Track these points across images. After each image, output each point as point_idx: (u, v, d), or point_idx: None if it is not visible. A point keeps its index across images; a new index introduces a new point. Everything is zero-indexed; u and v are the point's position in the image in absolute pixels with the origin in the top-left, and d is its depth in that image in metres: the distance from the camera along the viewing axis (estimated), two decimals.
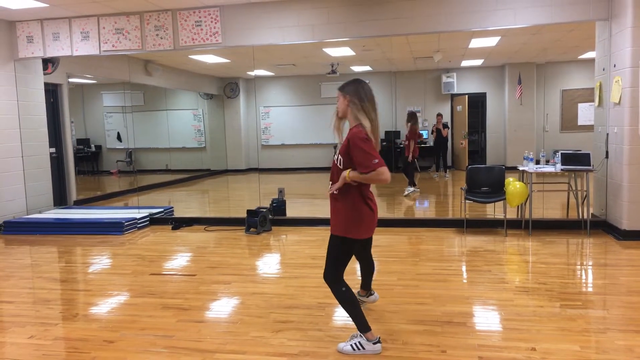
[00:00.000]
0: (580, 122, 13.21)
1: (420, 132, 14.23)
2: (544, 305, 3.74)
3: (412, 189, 9.77)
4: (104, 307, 4.09)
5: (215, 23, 6.85)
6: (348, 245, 3.10)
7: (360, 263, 3.66)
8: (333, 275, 3.12)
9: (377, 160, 2.85)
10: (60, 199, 8.95)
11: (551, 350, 3.01)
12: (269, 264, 5.19)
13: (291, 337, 3.34)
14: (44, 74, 8.16)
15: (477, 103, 14.77)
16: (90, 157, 14.81)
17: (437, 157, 13.26)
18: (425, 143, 14.29)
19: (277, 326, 3.55)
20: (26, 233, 6.91)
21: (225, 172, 14.79)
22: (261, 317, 3.73)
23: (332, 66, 12.52)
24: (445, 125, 12.73)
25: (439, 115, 12.86)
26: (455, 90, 14.13)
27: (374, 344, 3.08)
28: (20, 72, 7.55)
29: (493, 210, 7.28)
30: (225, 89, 14.70)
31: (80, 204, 9.29)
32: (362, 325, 3.10)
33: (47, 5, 6.53)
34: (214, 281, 4.63)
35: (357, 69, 13.59)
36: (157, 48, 7.06)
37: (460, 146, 14.22)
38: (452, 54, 11.77)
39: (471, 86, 14.29)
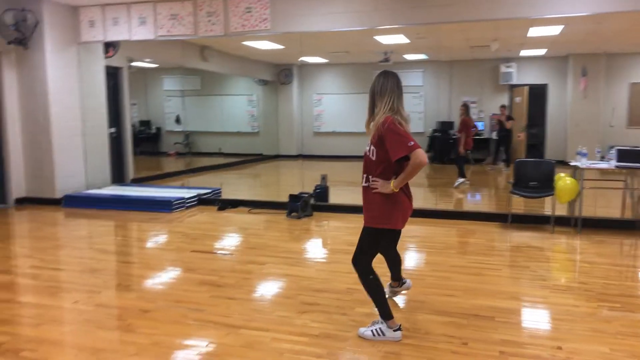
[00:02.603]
0: None
1: (475, 123, 13.89)
2: (580, 305, 3.61)
3: (461, 180, 9.57)
4: (145, 279, 4.31)
5: (265, 9, 6.95)
6: (383, 235, 3.12)
7: (386, 257, 3.60)
8: (363, 264, 3.14)
9: (412, 142, 2.83)
10: (119, 177, 9.39)
11: (578, 350, 2.92)
12: (305, 248, 5.27)
13: (315, 319, 3.40)
14: (106, 57, 8.55)
15: (538, 95, 14.17)
16: (151, 138, 15.41)
17: (497, 150, 12.83)
18: (480, 135, 13.92)
19: (304, 307, 3.62)
20: (84, 207, 7.33)
21: (277, 157, 15.00)
22: (289, 298, 3.81)
23: (385, 54, 12.36)
24: (509, 117, 12.25)
25: (503, 106, 12.40)
26: (515, 81, 13.64)
27: (395, 331, 3.09)
28: (83, 55, 7.96)
29: (543, 206, 7.03)
30: (279, 75, 14.85)
31: (137, 182, 9.72)
32: (385, 313, 3.12)
33: None
34: (250, 261, 4.76)
35: (411, 57, 13.37)
36: (209, 34, 7.25)
37: (517, 139, 13.73)
38: (510, 43, 11.35)
39: (532, 77, 13.73)
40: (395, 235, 3.42)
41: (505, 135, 12.47)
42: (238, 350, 2.97)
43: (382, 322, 3.12)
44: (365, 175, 3.07)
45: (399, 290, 3.75)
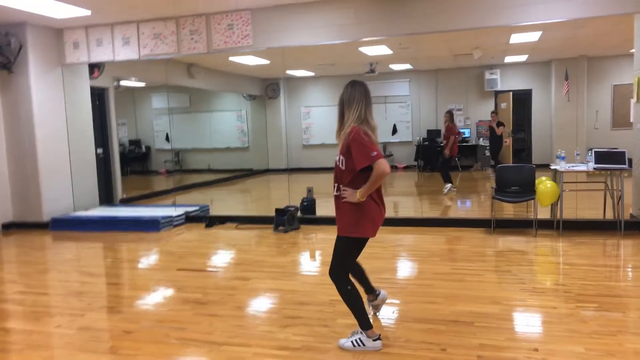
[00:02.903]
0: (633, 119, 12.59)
1: (461, 130, 14.00)
2: (558, 307, 3.65)
3: (449, 185, 9.64)
4: (129, 300, 4.33)
5: (247, 26, 7.03)
6: (356, 244, 3.15)
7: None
8: (339, 274, 3.17)
9: (375, 153, 2.89)
10: (107, 197, 9.40)
11: (554, 351, 2.96)
12: (290, 262, 5.30)
13: (297, 332, 3.43)
14: (91, 78, 8.61)
15: (522, 100, 14.33)
16: (140, 157, 15.42)
17: (494, 157, 12.78)
18: (467, 142, 14.04)
19: (286, 321, 3.64)
20: (72, 229, 7.33)
21: (267, 171, 15.05)
22: (272, 313, 3.84)
23: (371, 65, 12.49)
24: (499, 124, 12.24)
25: (493, 112, 12.41)
26: (499, 87, 13.80)
27: (374, 340, 3.12)
28: (68, 77, 8.00)
29: (529, 211, 7.10)
30: (266, 89, 14.95)
31: (126, 202, 9.73)
32: (364, 323, 3.15)
33: (90, 12, 6.88)
34: (235, 277, 4.78)
35: (396, 67, 13.51)
36: (192, 52, 7.32)
37: (504, 144, 13.85)
38: (493, 50, 11.51)
39: (516, 83, 13.90)
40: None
41: (496, 140, 12.45)
42: None
43: (361, 333, 3.15)
44: (336, 185, 3.12)
45: (377, 303, 3.67)
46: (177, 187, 12.49)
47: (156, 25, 7.38)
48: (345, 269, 3.18)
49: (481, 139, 14.11)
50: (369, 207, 3.04)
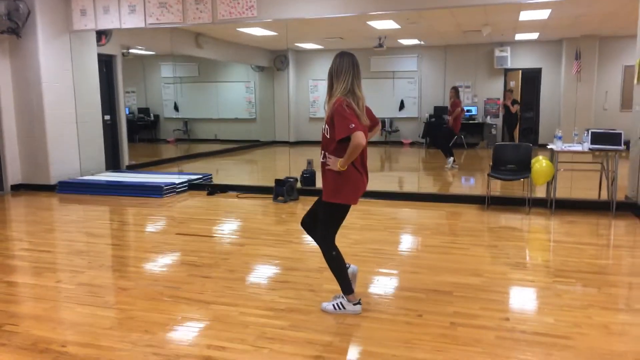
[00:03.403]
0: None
1: (468, 108, 13.98)
2: (536, 281, 3.78)
3: (451, 159, 9.71)
4: (127, 259, 4.52)
5: None
6: (337, 210, 3.27)
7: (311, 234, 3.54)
8: (324, 239, 3.31)
9: (353, 125, 2.99)
10: (114, 163, 9.60)
11: (524, 320, 3.10)
12: (285, 230, 5.46)
13: (283, 295, 3.60)
14: (98, 45, 8.70)
15: (531, 78, 14.22)
16: (149, 126, 15.58)
17: (510, 135, 12.73)
18: (473, 119, 14.03)
19: (274, 285, 3.82)
20: (77, 192, 7.54)
21: (273, 143, 15.16)
22: (262, 276, 4.01)
23: (380, 39, 12.44)
24: (514, 102, 12.15)
25: (509, 91, 12.32)
26: (509, 65, 13.69)
27: (354, 305, 3.27)
28: (76, 44, 8.11)
29: (525, 189, 7.18)
30: (275, 61, 14.95)
31: (132, 168, 9.92)
32: (346, 288, 3.30)
33: None
34: (230, 243, 4.96)
35: (406, 42, 13.41)
36: (197, 21, 7.37)
37: (503, 124, 13.82)
38: (503, 27, 11.40)
39: (526, 61, 13.77)
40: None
41: (512, 119, 12.39)
42: (204, 323, 3.17)
43: (342, 297, 3.31)
44: (322, 152, 3.23)
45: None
46: (183, 156, 12.69)
47: None
48: (329, 233, 3.31)
49: (488, 117, 14.08)
50: (351, 175, 3.15)
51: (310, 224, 3.42)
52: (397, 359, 2.70)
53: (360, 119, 3.08)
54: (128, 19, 7.67)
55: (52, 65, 7.75)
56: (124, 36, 9.35)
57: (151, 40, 10.20)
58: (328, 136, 3.17)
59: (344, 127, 2.99)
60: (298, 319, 3.20)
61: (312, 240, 3.44)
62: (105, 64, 9.35)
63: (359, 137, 2.98)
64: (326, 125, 3.17)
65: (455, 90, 10.06)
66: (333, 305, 3.31)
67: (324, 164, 3.25)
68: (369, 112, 3.31)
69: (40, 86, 7.61)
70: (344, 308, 3.27)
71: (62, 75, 7.92)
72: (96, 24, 7.87)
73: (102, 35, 8.73)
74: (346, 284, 3.30)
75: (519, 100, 12.69)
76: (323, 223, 3.31)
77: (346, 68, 3.12)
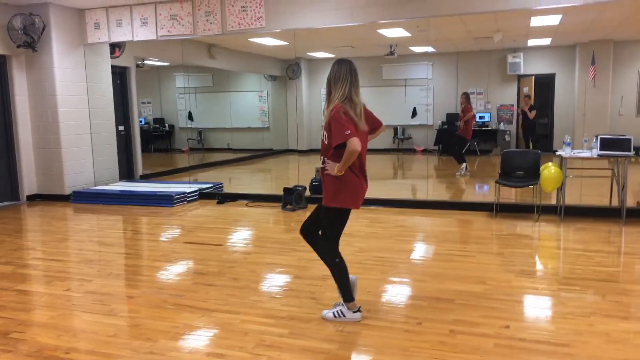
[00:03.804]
0: None
1: (481, 114, 13.91)
2: (540, 288, 3.75)
3: (464, 164, 9.67)
4: (135, 268, 4.60)
5: (260, 8, 7.15)
6: (338, 215, 3.28)
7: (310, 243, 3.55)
8: (326, 246, 3.34)
9: (349, 132, 3.02)
10: (128, 173, 9.75)
11: (524, 328, 3.08)
12: (292, 239, 5.49)
13: (285, 303, 3.63)
14: (112, 58, 8.88)
15: (545, 84, 14.11)
16: (164, 136, 15.79)
17: (527, 141, 12.50)
18: (486, 126, 13.96)
19: (277, 293, 3.85)
20: (91, 202, 7.67)
21: (286, 151, 15.24)
22: (265, 284, 4.04)
23: (391, 47, 12.47)
24: (532, 107, 11.95)
25: (527, 96, 12.14)
26: (522, 71, 13.60)
27: (354, 312, 3.29)
28: (89, 56, 8.29)
29: (532, 196, 7.12)
30: (287, 70, 15.06)
31: (146, 178, 10.06)
32: (347, 295, 3.32)
33: None
34: (237, 251, 5.01)
35: (417, 49, 13.42)
36: (207, 33, 7.49)
37: (522, 130, 13.71)
38: (514, 34, 11.35)
39: (539, 67, 13.68)
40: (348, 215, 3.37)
41: (529, 125, 12.18)
42: (206, 330, 3.21)
43: (342, 305, 3.32)
44: (322, 158, 3.26)
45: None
46: (197, 165, 12.82)
47: (173, 7, 7.56)
48: (331, 239, 3.33)
49: (502, 123, 14.00)
50: (350, 180, 3.17)
51: (308, 231, 3.44)
52: None
53: (357, 125, 3.11)
54: (140, 31, 7.82)
55: (67, 78, 7.93)
56: (137, 48, 9.53)
57: (164, 52, 10.38)
58: (326, 142, 3.21)
59: (340, 134, 3.03)
60: (298, 327, 3.22)
61: (310, 249, 3.46)
62: (120, 75, 9.53)
63: (355, 144, 3.01)
64: (324, 132, 3.21)
65: (466, 96, 10.03)
66: (333, 313, 3.32)
67: (323, 170, 3.29)
68: (370, 115, 3.35)
69: (55, 98, 7.79)
70: (344, 316, 3.29)
71: (76, 87, 8.10)
72: (109, 36, 8.04)
73: (115, 47, 8.91)
74: (347, 292, 3.31)
75: (535, 107, 12.52)
76: (325, 229, 3.34)
77: (344, 75, 3.16)
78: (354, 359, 2.85)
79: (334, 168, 3.13)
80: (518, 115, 12.56)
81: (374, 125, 3.37)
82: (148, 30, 7.78)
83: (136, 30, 7.84)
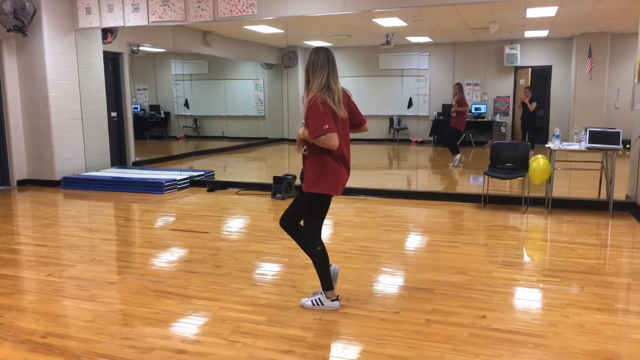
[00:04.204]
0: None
1: (477, 106, 13.87)
2: (520, 279, 3.76)
3: (458, 156, 9.65)
4: (119, 254, 4.60)
5: None
6: (317, 201, 3.25)
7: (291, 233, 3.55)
8: (308, 232, 3.33)
9: (327, 126, 3.00)
10: (121, 160, 9.73)
11: (500, 319, 3.09)
12: (278, 227, 5.47)
13: (265, 291, 3.64)
14: (104, 43, 8.82)
15: (542, 77, 14.06)
16: (160, 123, 15.73)
17: (525, 133, 12.38)
18: (482, 117, 13.92)
19: (258, 280, 3.86)
20: (81, 188, 7.66)
21: (282, 140, 15.21)
22: (247, 272, 4.05)
23: (387, 37, 12.40)
24: (532, 99, 11.84)
25: (527, 88, 12.02)
26: (519, 63, 13.54)
27: (332, 301, 3.30)
28: (81, 41, 8.23)
29: (520, 188, 7.12)
30: (283, 58, 14.99)
31: (138, 164, 10.04)
32: (326, 284, 3.32)
33: None
34: (222, 239, 5.01)
35: (414, 39, 13.34)
36: (199, 19, 7.44)
37: (519, 121, 13.68)
38: (511, 25, 11.29)
39: (536, 58, 13.62)
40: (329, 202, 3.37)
41: (530, 117, 12.06)
42: (183, 317, 3.21)
43: (321, 293, 3.33)
44: (303, 146, 3.23)
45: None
46: (191, 152, 12.80)
47: None
48: (313, 227, 3.32)
49: (497, 115, 13.96)
50: (328, 166, 3.15)
51: (288, 223, 3.44)
52: (367, 355, 2.71)
53: (336, 114, 3.09)
54: (132, 17, 7.76)
55: (58, 63, 7.88)
56: (130, 34, 9.47)
57: (157, 38, 10.30)
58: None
59: (317, 126, 3.01)
60: (275, 315, 3.23)
61: (291, 239, 3.46)
62: (112, 61, 9.48)
63: (333, 141, 3.01)
64: (304, 120, 3.19)
65: (459, 87, 9.98)
66: (312, 301, 3.33)
67: (304, 157, 3.28)
68: (354, 109, 3.33)
69: (46, 83, 7.75)
70: (322, 304, 3.30)
71: (67, 72, 8.05)
72: (101, 22, 7.98)
73: (108, 33, 8.84)
74: (327, 280, 3.31)
75: (536, 99, 12.38)
76: (306, 216, 3.33)
77: (321, 63, 3.12)
78: (328, 347, 2.86)
79: (304, 131, 3.10)
80: (518, 107, 12.42)
81: (358, 120, 3.34)
82: (139, 16, 7.72)
83: (127, 15, 7.78)
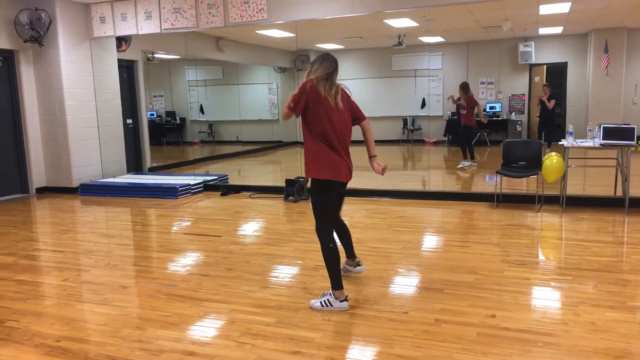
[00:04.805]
0: None
1: (493, 104, 13.77)
2: (531, 278, 3.73)
3: (468, 162, 9.58)
4: (133, 259, 4.66)
5: (261, 0, 7.15)
6: (317, 188, 3.36)
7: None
8: (320, 228, 3.39)
9: (292, 105, 3.31)
10: (137, 166, 9.86)
11: (510, 318, 3.07)
12: (291, 229, 5.52)
13: (276, 293, 3.66)
14: (119, 51, 8.96)
15: (557, 74, 13.89)
16: (175, 129, 15.91)
17: (543, 132, 12.19)
18: (498, 117, 13.81)
19: (269, 283, 3.88)
20: (98, 195, 7.79)
21: (296, 143, 15.26)
22: (258, 275, 4.07)
23: (399, 38, 12.38)
24: (551, 97, 11.53)
25: (545, 86, 11.83)
26: (534, 60, 13.40)
27: (341, 301, 3.31)
28: (96, 50, 8.38)
29: (535, 186, 7.04)
30: (295, 61, 15.04)
31: (154, 170, 10.17)
32: (336, 283, 3.34)
33: None
34: (234, 242, 5.05)
35: (426, 39, 13.30)
36: (210, 25, 7.52)
37: (537, 119, 13.52)
38: (524, 22, 11.19)
39: (551, 55, 13.47)
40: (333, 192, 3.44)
41: (548, 115, 11.88)
42: (194, 319, 3.25)
43: (330, 294, 3.34)
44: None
45: (351, 270, 3.81)
46: (206, 157, 12.91)
47: (176, 0, 7.60)
48: (323, 221, 3.37)
49: (513, 113, 13.83)
50: (316, 152, 3.33)
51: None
52: (375, 355, 2.72)
53: (322, 102, 3.26)
54: (145, 25, 7.88)
55: (74, 72, 8.04)
56: (144, 42, 9.60)
57: (170, 45, 10.43)
58: None
59: (288, 102, 3.31)
60: (285, 316, 3.25)
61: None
62: (127, 69, 9.62)
63: (283, 111, 3.40)
64: None
65: (463, 88, 9.82)
66: (321, 302, 3.35)
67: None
68: (355, 106, 3.49)
69: (62, 92, 7.90)
70: (331, 305, 3.31)
71: (83, 81, 8.20)
72: (115, 30, 8.12)
73: (122, 41, 8.98)
74: (336, 279, 3.33)
75: (554, 96, 12.19)
76: (313, 208, 3.42)
77: (327, 64, 3.33)
78: (336, 347, 2.87)
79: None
80: (537, 105, 12.23)
81: (356, 114, 3.49)
82: (152, 24, 7.84)
83: (141, 23, 7.90)
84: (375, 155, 3.52)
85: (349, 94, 3.46)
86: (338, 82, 3.38)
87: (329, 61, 3.33)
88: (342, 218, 3.77)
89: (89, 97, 8.30)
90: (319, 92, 3.26)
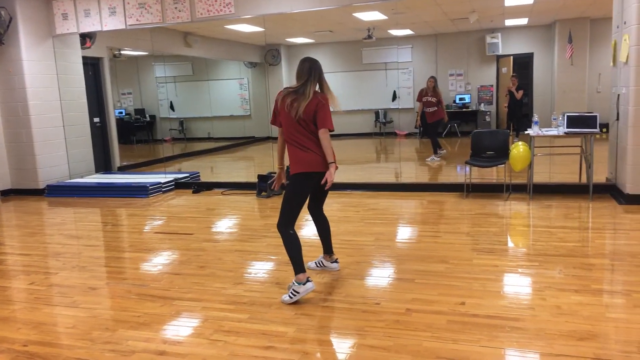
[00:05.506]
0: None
1: (462, 96, 13.95)
2: (499, 265, 3.80)
3: (438, 155, 9.67)
4: (102, 260, 4.59)
5: None
6: (297, 181, 3.49)
7: (314, 220, 3.82)
8: (284, 216, 3.48)
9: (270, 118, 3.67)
10: (105, 165, 9.67)
11: (479, 305, 3.13)
12: (263, 225, 5.50)
13: (248, 289, 3.65)
14: (83, 49, 8.75)
15: (523, 64, 14.13)
16: (146, 126, 15.65)
17: (512, 122, 12.39)
18: (467, 108, 13.99)
19: (241, 279, 3.87)
20: (66, 196, 7.62)
21: (268, 139, 15.19)
22: (231, 271, 4.05)
23: (369, 31, 12.41)
24: (519, 87, 11.77)
25: (513, 76, 12.03)
26: (501, 52, 13.61)
27: (304, 284, 3.32)
28: (59, 48, 8.17)
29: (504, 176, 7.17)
30: (266, 56, 14.96)
31: (123, 169, 10.00)
32: (297, 267, 3.37)
33: None
34: (206, 240, 5.01)
35: (396, 32, 13.38)
36: (176, 20, 7.41)
37: (504, 109, 13.76)
38: (491, 14, 11.34)
39: (517, 47, 13.69)
40: (315, 191, 3.62)
41: (517, 105, 12.09)
42: (165, 319, 3.22)
43: (293, 283, 3.35)
44: None
45: (326, 266, 3.87)
46: (177, 155, 12.76)
47: None
48: (288, 211, 3.48)
49: (482, 104, 14.03)
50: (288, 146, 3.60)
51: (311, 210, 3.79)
52: (347, 347, 2.74)
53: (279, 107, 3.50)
54: (109, 21, 7.72)
55: (37, 71, 7.82)
56: (109, 38, 9.39)
57: (137, 41, 10.25)
58: None
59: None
60: (257, 312, 3.25)
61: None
62: (92, 67, 9.41)
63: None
64: None
65: (434, 80, 10.00)
66: (289, 295, 3.35)
67: None
68: (320, 115, 3.48)
69: (25, 91, 7.69)
70: (297, 292, 3.32)
71: (47, 79, 7.99)
72: (78, 27, 7.93)
73: (86, 38, 8.77)
74: (297, 264, 3.38)
75: (522, 87, 12.40)
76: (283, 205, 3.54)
77: (302, 73, 3.50)
78: (307, 341, 2.88)
79: None
80: (505, 95, 12.46)
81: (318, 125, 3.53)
82: (117, 20, 7.68)
83: (105, 19, 7.73)
84: (333, 162, 3.44)
85: (324, 102, 3.48)
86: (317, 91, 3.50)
87: (303, 70, 3.54)
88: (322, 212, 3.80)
89: (53, 96, 8.10)
90: (277, 101, 3.61)
